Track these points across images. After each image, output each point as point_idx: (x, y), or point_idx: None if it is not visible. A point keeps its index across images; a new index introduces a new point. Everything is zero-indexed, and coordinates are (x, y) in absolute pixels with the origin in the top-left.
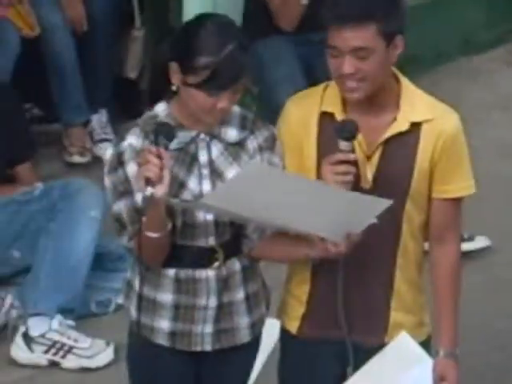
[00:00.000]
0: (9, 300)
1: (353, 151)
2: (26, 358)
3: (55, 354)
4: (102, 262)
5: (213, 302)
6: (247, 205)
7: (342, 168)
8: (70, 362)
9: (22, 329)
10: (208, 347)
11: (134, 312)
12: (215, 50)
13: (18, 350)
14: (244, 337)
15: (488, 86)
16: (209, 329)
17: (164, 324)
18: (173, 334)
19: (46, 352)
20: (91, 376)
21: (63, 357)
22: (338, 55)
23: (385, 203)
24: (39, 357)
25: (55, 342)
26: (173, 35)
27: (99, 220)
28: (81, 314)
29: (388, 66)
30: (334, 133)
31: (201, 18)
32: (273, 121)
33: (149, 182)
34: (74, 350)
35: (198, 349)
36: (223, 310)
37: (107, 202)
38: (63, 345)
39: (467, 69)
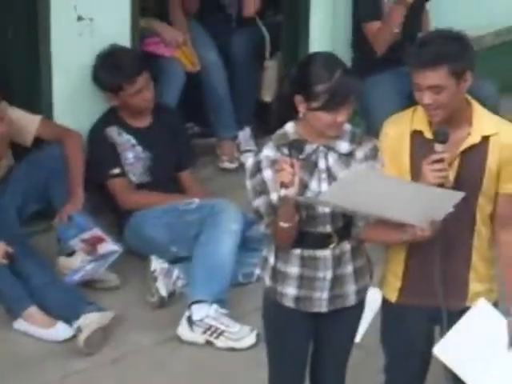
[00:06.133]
0: (175, 273)
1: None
2: (188, 336)
3: (210, 335)
4: (247, 243)
5: (329, 274)
6: (352, 200)
7: (439, 166)
8: (221, 343)
9: (187, 313)
10: (324, 309)
11: (268, 281)
12: (328, 78)
13: (183, 330)
14: (352, 300)
15: None
16: (325, 295)
17: (291, 290)
18: (297, 299)
19: (204, 333)
20: (237, 355)
21: (217, 338)
22: (419, 89)
23: (459, 195)
24: (198, 336)
25: (211, 326)
26: (291, 72)
27: (238, 231)
28: (232, 284)
29: (459, 95)
30: (433, 137)
31: (309, 56)
32: (370, 134)
33: (283, 185)
34: (225, 334)
35: (317, 310)
36: (336, 281)
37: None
38: (217, 328)
39: None
